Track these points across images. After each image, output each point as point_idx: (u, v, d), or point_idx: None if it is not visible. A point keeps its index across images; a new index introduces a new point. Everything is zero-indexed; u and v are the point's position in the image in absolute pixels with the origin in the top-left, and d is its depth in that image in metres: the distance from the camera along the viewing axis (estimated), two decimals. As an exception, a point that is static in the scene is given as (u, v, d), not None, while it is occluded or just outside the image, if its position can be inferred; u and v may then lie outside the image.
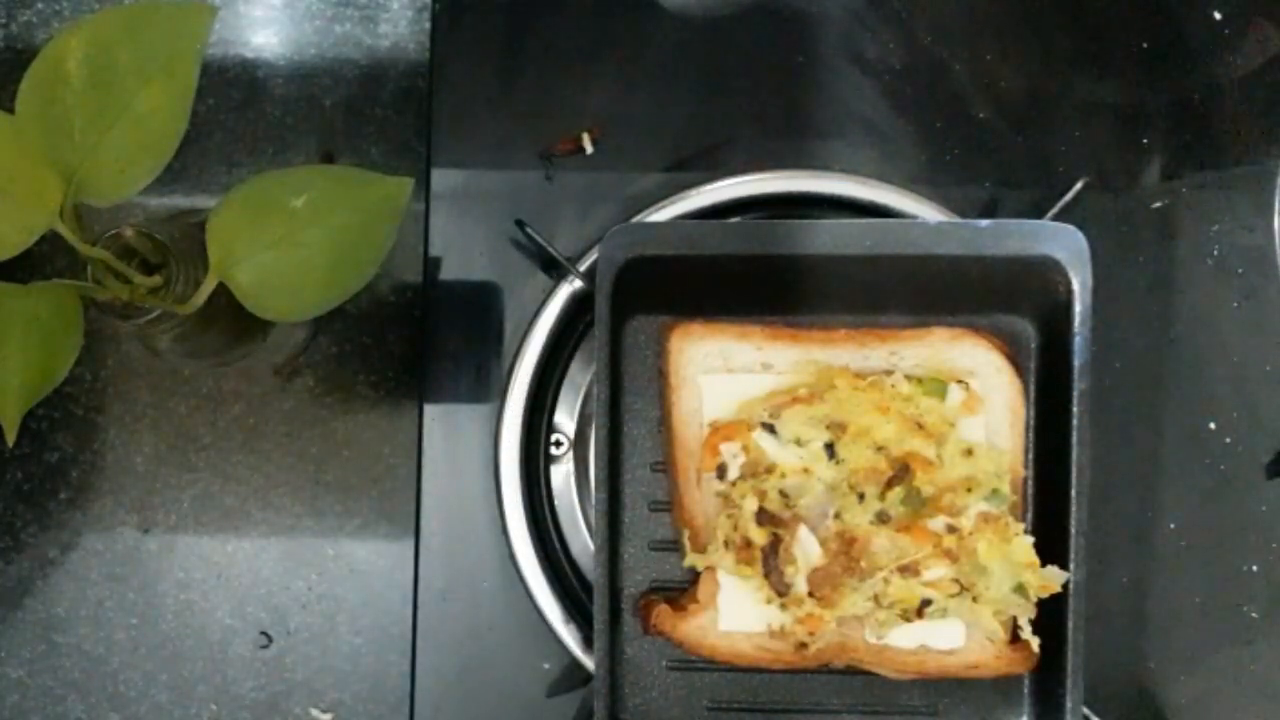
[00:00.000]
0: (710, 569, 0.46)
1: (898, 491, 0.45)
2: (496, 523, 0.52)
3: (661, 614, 0.47)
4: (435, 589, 0.52)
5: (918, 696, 0.49)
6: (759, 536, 0.45)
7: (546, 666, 0.51)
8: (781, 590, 0.45)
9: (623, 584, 0.49)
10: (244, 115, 0.55)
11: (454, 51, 0.55)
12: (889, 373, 0.47)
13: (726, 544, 0.45)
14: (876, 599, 0.45)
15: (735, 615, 0.47)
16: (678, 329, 0.48)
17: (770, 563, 0.45)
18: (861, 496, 0.45)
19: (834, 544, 0.45)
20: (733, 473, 0.46)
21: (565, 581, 0.52)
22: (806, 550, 0.45)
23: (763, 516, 0.45)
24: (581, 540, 0.53)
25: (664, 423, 0.49)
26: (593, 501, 0.48)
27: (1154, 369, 0.53)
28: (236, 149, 0.55)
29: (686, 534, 0.47)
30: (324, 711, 0.53)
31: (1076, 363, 0.46)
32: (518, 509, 0.51)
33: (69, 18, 0.56)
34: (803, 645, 0.46)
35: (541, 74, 0.55)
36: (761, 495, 0.45)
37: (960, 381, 0.46)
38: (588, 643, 0.50)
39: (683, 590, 0.49)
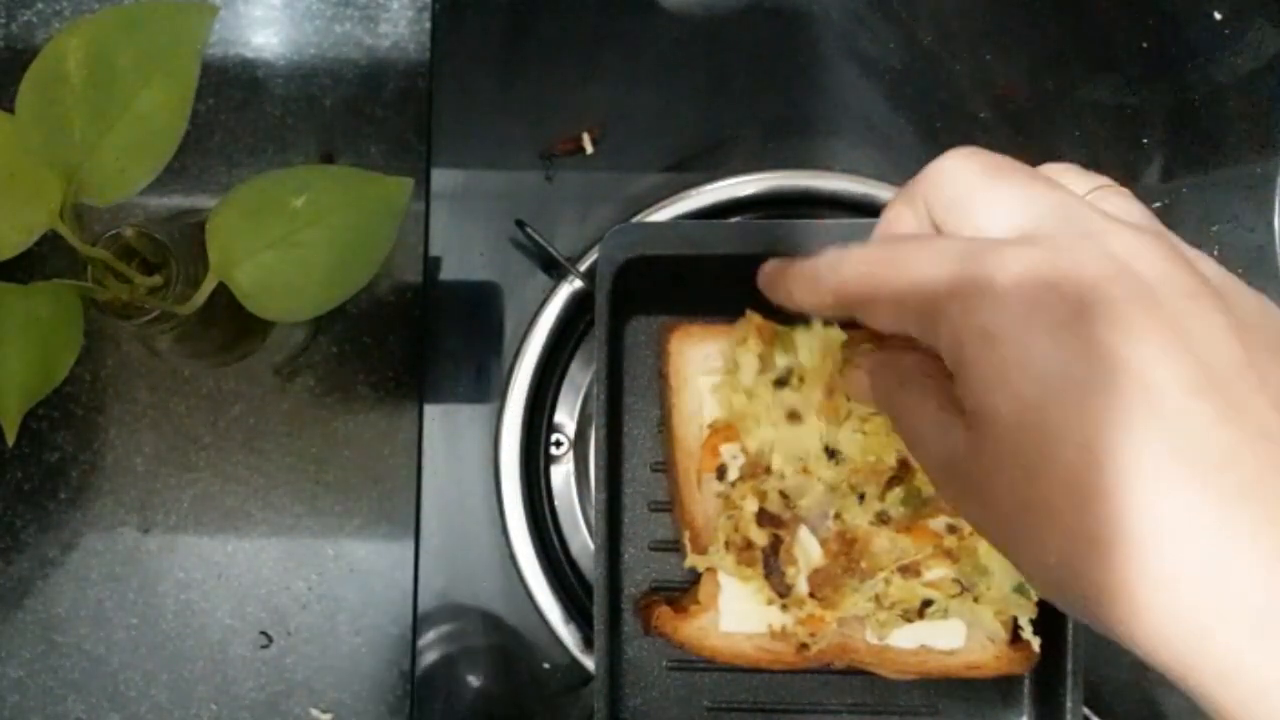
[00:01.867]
0: (711, 570, 0.46)
1: (898, 492, 0.45)
2: (496, 523, 0.52)
3: (662, 615, 0.47)
4: (435, 589, 0.52)
5: (918, 696, 0.49)
6: (759, 537, 0.45)
7: (546, 666, 0.51)
8: (782, 591, 0.45)
9: (623, 584, 0.49)
10: (244, 115, 0.55)
11: (454, 51, 0.55)
12: None
13: (727, 545, 0.45)
14: (877, 599, 0.45)
15: (736, 616, 0.46)
16: (678, 331, 0.48)
17: (771, 564, 0.45)
18: (862, 497, 0.45)
19: (834, 544, 0.45)
20: (733, 474, 0.46)
21: (565, 581, 0.52)
22: (807, 551, 0.45)
23: (763, 517, 0.45)
24: (581, 540, 0.53)
25: (664, 424, 0.49)
26: (593, 501, 0.48)
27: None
28: (236, 149, 0.55)
29: (687, 535, 0.47)
30: (324, 711, 0.53)
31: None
32: (518, 509, 0.51)
33: (69, 18, 0.56)
34: (804, 646, 0.46)
35: (541, 74, 0.55)
36: (762, 496, 0.45)
37: None
38: (588, 643, 0.50)
39: (683, 590, 0.49)
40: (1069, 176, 0.31)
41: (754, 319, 0.45)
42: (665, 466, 0.49)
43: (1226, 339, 0.25)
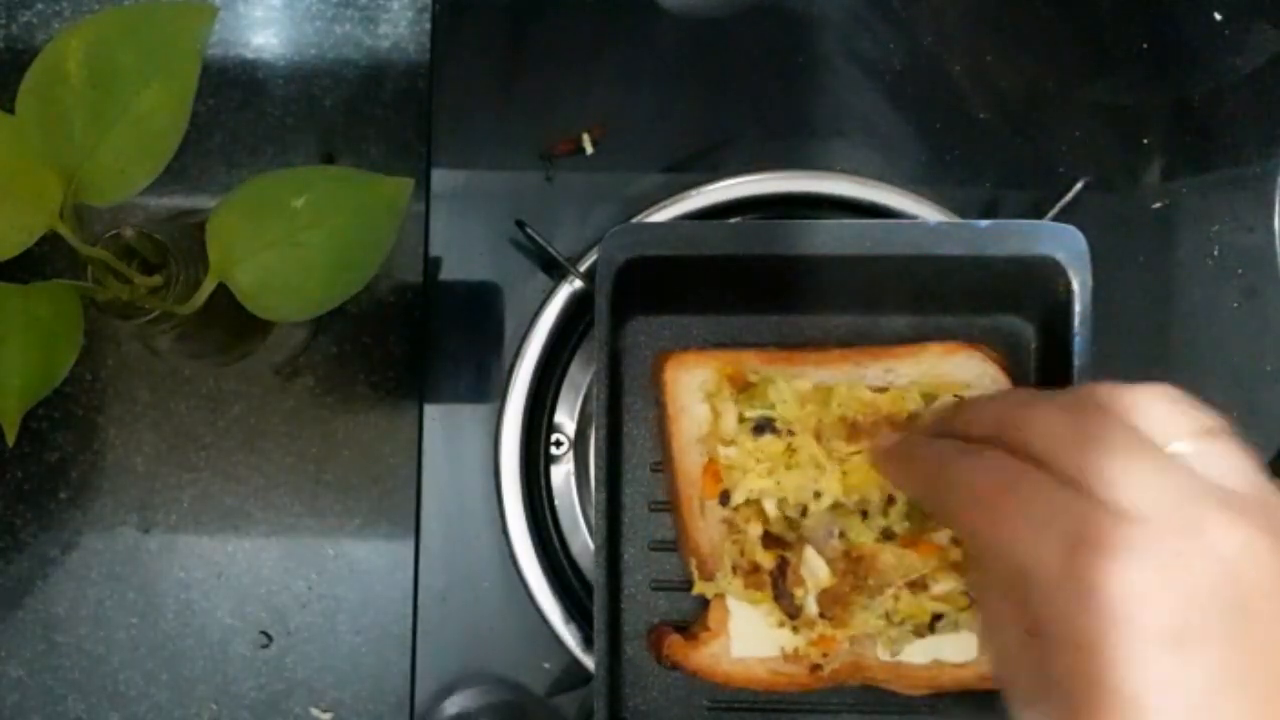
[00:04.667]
0: (720, 596, 0.46)
1: (899, 507, 0.44)
2: (496, 523, 0.52)
3: (673, 644, 0.46)
4: (435, 589, 0.52)
5: (917, 695, 0.49)
6: (766, 560, 0.44)
7: (546, 666, 0.52)
8: (792, 613, 0.45)
9: (623, 584, 0.49)
10: (244, 115, 0.55)
11: (454, 51, 0.55)
12: (883, 389, 0.46)
13: (734, 570, 0.45)
14: (887, 616, 0.44)
15: (747, 641, 0.46)
16: (671, 358, 0.47)
17: (779, 586, 0.45)
18: (864, 514, 0.44)
19: (841, 563, 0.44)
20: (736, 498, 0.45)
21: (565, 581, 0.52)
22: (814, 571, 0.44)
23: (768, 540, 0.44)
24: (581, 540, 0.53)
25: (664, 453, 0.48)
26: (593, 501, 0.48)
27: (1154, 369, 0.53)
28: (236, 149, 0.55)
29: (693, 562, 0.46)
30: (324, 711, 0.53)
31: (1076, 364, 0.46)
32: (518, 509, 0.51)
33: (69, 18, 0.56)
34: (816, 667, 0.45)
35: (541, 74, 0.55)
36: (765, 519, 0.45)
37: (956, 396, 0.46)
38: (588, 643, 0.50)
39: (684, 592, 0.48)
40: (1164, 407, 0.33)
41: (725, 369, 0.46)
42: (668, 498, 0.48)
43: None
